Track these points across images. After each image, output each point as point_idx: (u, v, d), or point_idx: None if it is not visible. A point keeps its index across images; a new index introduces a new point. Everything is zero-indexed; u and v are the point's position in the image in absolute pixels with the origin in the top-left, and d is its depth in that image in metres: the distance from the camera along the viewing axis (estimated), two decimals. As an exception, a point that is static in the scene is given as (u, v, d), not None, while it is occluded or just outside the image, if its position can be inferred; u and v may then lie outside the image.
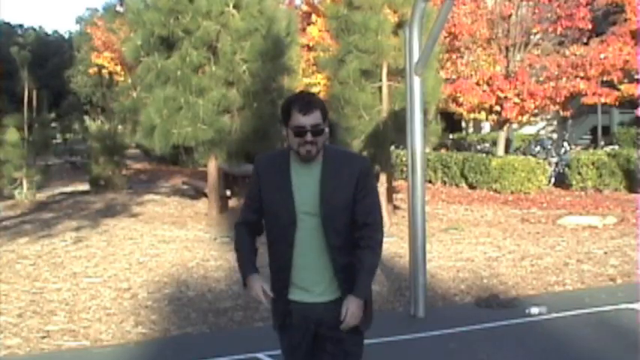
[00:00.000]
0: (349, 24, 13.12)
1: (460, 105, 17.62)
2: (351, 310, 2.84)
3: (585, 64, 16.80)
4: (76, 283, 7.52)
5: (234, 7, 11.97)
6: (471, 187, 15.90)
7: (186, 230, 10.97)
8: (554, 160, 16.75)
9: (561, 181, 15.64)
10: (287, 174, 2.93)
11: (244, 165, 13.09)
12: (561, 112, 18.51)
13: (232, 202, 13.65)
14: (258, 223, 3.06)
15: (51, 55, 48.01)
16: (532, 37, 18.13)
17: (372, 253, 2.91)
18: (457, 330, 5.70)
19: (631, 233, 9.82)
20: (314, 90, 19.77)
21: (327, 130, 2.93)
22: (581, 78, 16.93)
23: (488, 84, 17.17)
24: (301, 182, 2.92)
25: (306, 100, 2.87)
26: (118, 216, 12.51)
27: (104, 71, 31.21)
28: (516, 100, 16.85)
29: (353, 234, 2.90)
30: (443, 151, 19.98)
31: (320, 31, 19.51)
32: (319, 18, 19.79)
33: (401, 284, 6.99)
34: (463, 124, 25.55)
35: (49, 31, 60.41)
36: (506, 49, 17.78)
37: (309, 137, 2.83)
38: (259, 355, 5.09)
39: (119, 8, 34.00)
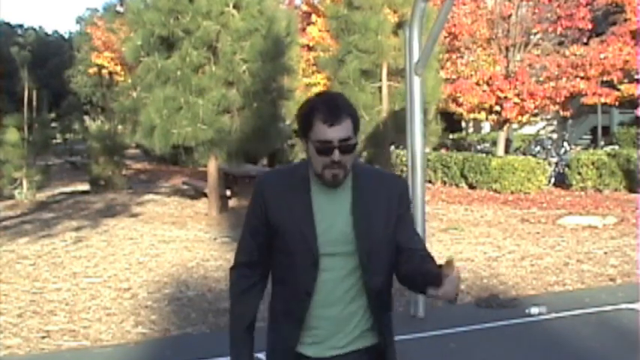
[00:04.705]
0: (349, 24, 13.15)
1: (460, 105, 17.63)
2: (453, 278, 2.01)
3: (585, 64, 16.81)
4: (76, 283, 7.52)
5: (234, 7, 11.98)
6: (471, 187, 15.90)
7: (186, 230, 10.97)
8: (554, 160, 16.74)
9: (561, 181, 15.63)
10: (307, 198, 2.23)
11: (244, 165, 13.10)
12: (561, 112, 18.51)
13: (232, 202, 13.65)
14: (263, 265, 2.33)
15: (51, 55, 48.06)
16: (532, 37, 18.14)
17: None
18: (457, 330, 5.70)
19: (631, 233, 9.82)
20: (314, 90, 19.82)
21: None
22: (581, 78, 16.94)
23: (488, 84, 17.18)
24: (326, 211, 2.23)
25: (332, 106, 2.15)
26: (118, 216, 12.50)
27: (104, 71, 31.24)
28: (516, 100, 16.85)
29: (398, 266, 2.27)
30: (443, 151, 19.98)
31: (320, 31, 19.52)
32: (319, 18, 19.80)
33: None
34: (463, 124, 25.56)
35: (49, 31, 60.60)
36: (506, 49, 17.78)
37: (336, 156, 2.13)
38: (259, 356, 5.08)
39: (119, 8, 34.01)
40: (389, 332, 2.38)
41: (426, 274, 2.09)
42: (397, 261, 2.25)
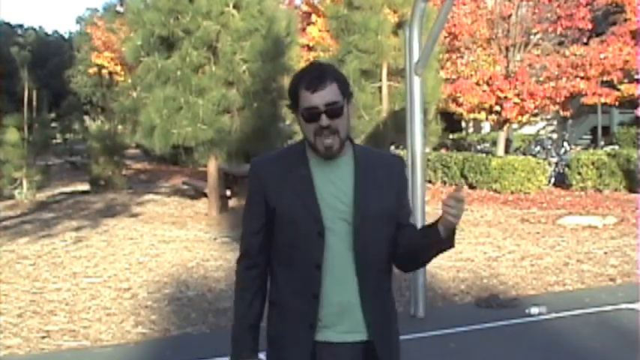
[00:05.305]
0: (349, 24, 13.14)
1: (460, 105, 17.63)
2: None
3: (585, 64, 16.81)
4: (76, 283, 7.52)
5: (234, 7, 11.98)
6: (471, 187, 15.89)
7: (186, 230, 10.97)
8: (554, 160, 16.74)
9: (561, 181, 15.63)
10: (306, 172, 2.21)
11: (244, 165, 13.10)
12: (561, 112, 18.52)
13: (232, 202, 13.65)
14: (265, 253, 2.30)
15: (51, 55, 48.07)
16: (532, 37, 18.14)
17: None
18: (457, 330, 5.70)
19: (631, 233, 9.82)
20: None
21: (347, 111, 2.18)
22: (581, 78, 16.94)
23: (488, 84, 17.18)
24: (327, 179, 2.21)
25: (316, 73, 2.16)
26: (118, 216, 12.51)
27: (104, 71, 31.27)
28: (516, 100, 16.85)
29: (398, 242, 2.28)
30: (443, 151, 19.98)
31: (320, 31, 19.53)
32: (319, 18, 19.81)
33: (401, 284, 6.98)
34: (463, 124, 25.57)
35: (49, 31, 60.68)
36: (506, 49, 17.78)
37: (324, 121, 2.12)
38: (259, 356, 5.09)
39: (119, 8, 34.03)
40: (387, 329, 2.39)
41: (423, 230, 2.22)
42: (398, 236, 2.27)
